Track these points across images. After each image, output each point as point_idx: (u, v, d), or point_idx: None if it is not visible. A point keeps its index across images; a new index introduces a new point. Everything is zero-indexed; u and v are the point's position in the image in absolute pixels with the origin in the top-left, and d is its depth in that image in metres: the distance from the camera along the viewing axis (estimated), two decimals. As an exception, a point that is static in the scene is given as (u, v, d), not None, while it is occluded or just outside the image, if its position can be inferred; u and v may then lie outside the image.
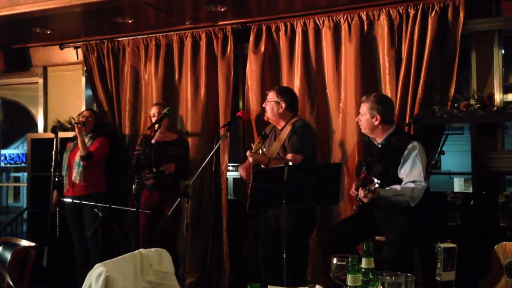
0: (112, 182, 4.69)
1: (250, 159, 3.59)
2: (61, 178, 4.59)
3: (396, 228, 3.22)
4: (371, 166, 3.39)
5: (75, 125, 4.49)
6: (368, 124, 3.45)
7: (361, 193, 3.21)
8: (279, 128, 3.80)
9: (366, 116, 3.45)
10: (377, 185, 3.14)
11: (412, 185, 3.24)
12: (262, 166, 3.58)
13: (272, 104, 3.77)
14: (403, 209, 3.26)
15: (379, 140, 3.47)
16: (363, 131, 3.55)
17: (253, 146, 3.63)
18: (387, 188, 3.28)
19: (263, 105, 3.91)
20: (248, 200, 3.63)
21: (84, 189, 4.53)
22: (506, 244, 3.13)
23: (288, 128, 3.71)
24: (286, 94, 3.80)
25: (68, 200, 4.43)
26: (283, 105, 3.74)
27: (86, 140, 4.58)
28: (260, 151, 3.60)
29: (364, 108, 3.47)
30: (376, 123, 3.42)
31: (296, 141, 3.63)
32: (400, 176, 3.31)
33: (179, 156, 4.35)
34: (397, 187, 3.29)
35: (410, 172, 3.27)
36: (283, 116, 3.77)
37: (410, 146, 3.32)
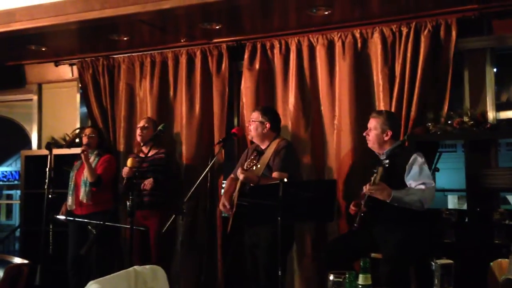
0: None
1: (241, 177, 3.60)
2: (55, 195, 4.56)
3: (393, 244, 3.22)
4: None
5: (81, 153, 4.48)
6: (378, 139, 3.47)
7: (366, 187, 3.20)
8: (263, 148, 3.83)
9: (376, 131, 3.46)
10: (386, 164, 3.20)
11: (422, 186, 3.25)
12: (251, 184, 3.57)
13: (256, 124, 3.82)
14: (401, 225, 3.26)
15: (383, 152, 3.49)
16: (370, 145, 3.54)
17: (246, 164, 3.64)
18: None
19: (247, 125, 3.94)
20: (230, 222, 3.69)
21: (92, 207, 4.50)
22: (502, 261, 3.11)
23: (272, 148, 3.75)
24: (271, 114, 3.87)
25: (62, 217, 4.40)
26: (268, 125, 3.80)
27: (92, 158, 4.60)
28: (255, 168, 3.62)
29: (375, 123, 3.48)
30: (387, 138, 3.45)
31: (281, 160, 3.67)
32: (407, 182, 3.30)
33: (158, 170, 4.33)
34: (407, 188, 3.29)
35: (419, 176, 3.27)
36: (267, 136, 3.82)
37: (415, 155, 3.34)
